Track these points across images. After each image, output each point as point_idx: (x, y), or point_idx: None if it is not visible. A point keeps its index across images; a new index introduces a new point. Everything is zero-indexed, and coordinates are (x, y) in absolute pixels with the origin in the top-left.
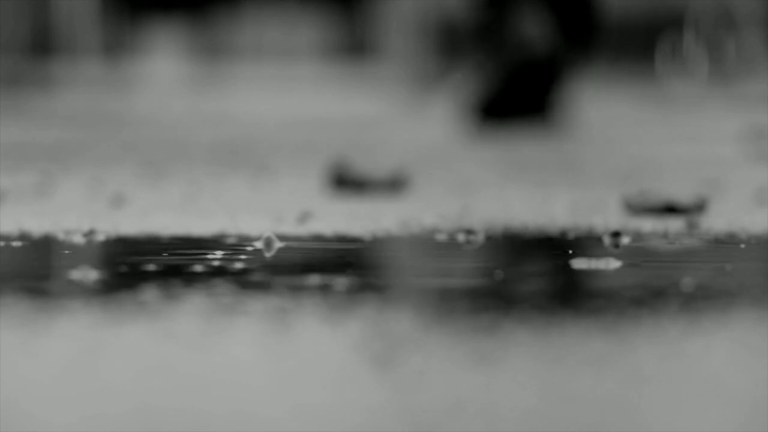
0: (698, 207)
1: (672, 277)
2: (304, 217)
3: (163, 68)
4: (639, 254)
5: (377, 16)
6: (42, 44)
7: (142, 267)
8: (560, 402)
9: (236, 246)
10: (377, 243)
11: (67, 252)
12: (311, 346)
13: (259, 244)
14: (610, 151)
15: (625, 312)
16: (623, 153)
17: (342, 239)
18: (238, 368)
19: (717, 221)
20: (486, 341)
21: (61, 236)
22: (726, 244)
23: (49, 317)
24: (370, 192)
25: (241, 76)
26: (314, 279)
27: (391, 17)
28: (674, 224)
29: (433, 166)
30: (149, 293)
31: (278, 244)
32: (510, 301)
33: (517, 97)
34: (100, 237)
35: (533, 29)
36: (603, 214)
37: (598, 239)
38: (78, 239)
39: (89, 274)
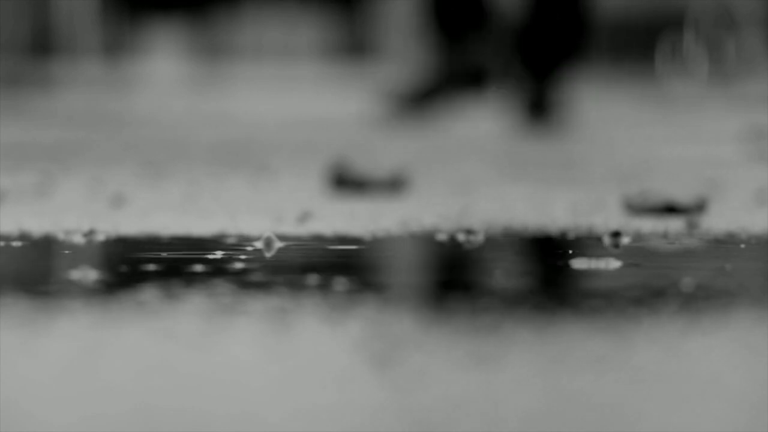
0: (698, 207)
1: (672, 277)
2: (304, 217)
3: (163, 68)
4: (639, 254)
5: (377, 16)
6: (42, 44)
7: (142, 267)
8: (560, 402)
9: (236, 246)
10: (377, 243)
11: (67, 252)
12: (311, 346)
13: (259, 244)
14: (610, 151)
15: (625, 312)
16: (623, 153)
17: (342, 239)
18: (238, 368)
19: (717, 221)
20: (486, 341)
21: (61, 236)
22: (726, 244)
23: (49, 317)
24: (370, 192)
25: (241, 76)
26: (314, 279)
27: (391, 17)
28: (674, 224)
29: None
30: (149, 293)
31: (278, 244)
32: (510, 301)
33: (445, 98)
34: (100, 237)
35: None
36: (603, 214)
37: (598, 239)
38: (78, 239)
39: (89, 274)
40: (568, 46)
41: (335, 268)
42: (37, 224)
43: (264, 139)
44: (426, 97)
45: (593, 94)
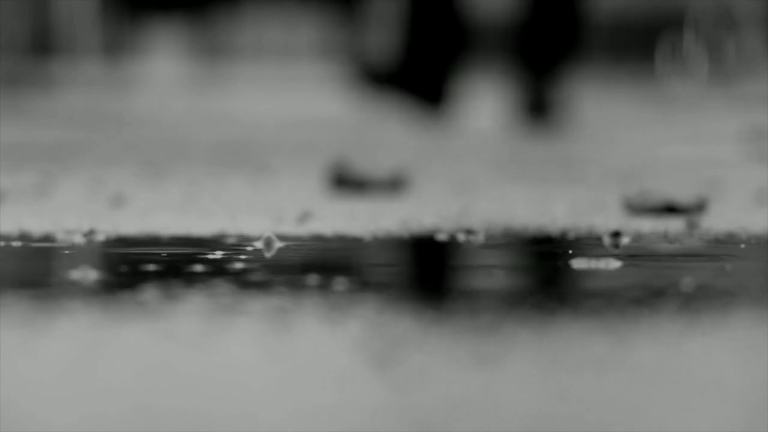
0: (698, 207)
1: (672, 277)
2: (304, 217)
3: (163, 68)
4: (639, 254)
5: (378, 16)
6: (42, 44)
7: (142, 267)
8: (560, 402)
9: (236, 246)
10: (377, 243)
11: (67, 252)
12: (311, 346)
13: (259, 244)
14: (610, 151)
15: (625, 312)
16: (623, 153)
17: (342, 239)
18: (238, 368)
19: (717, 221)
20: (486, 341)
21: (61, 236)
22: (726, 244)
23: (49, 317)
24: (370, 192)
25: (241, 76)
26: (314, 279)
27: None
28: (674, 224)
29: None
30: (149, 293)
31: (278, 244)
32: (510, 301)
33: (415, 77)
34: (100, 237)
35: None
36: (603, 214)
37: (598, 239)
38: (78, 239)
39: (89, 274)
40: (566, 45)
41: (335, 268)
42: (37, 224)
43: (264, 139)
44: (389, 79)
45: (593, 94)
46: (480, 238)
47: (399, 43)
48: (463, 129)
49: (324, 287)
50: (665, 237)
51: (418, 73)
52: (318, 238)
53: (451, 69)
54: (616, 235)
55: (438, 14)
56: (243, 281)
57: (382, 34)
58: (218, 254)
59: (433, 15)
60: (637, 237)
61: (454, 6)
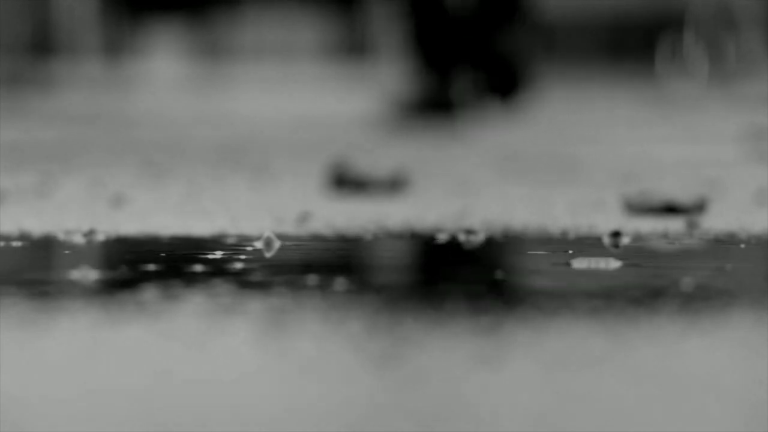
0: (698, 207)
1: (672, 277)
2: (304, 217)
3: (163, 68)
4: (639, 254)
5: (377, 17)
6: (42, 44)
7: (142, 267)
8: (560, 402)
9: (236, 246)
10: (377, 243)
11: (67, 252)
12: (311, 346)
13: (259, 244)
14: (610, 151)
15: (625, 312)
16: (623, 153)
17: (342, 239)
18: (237, 368)
19: (717, 221)
20: (486, 341)
21: (61, 236)
22: (726, 244)
23: (49, 317)
24: (370, 192)
25: (241, 76)
26: (314, 279)
27: (391, 17)
28: (674, 224)
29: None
30: (149, 293)
31: (278, 244)
32: (510, 301)
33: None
34: (100, 237)
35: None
36: (603, 214)
37: (598, 239)
38: (78, 239)
39: (89, 274)
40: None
41: (335, 268)
42: (37, 224)
43: (264, 139)
44: (421, 108)
45: (593, 94)
46: (480, 238)
47: (415, 68)
48: (468, 130)
49: (324, 287)
50: (665, 237)
51: (435, 87)
52: (318, 238)
53: (462, 75)
54: (616, 235)
55: (440, 26)
56: (243, 281)
57: (399, 67)
58: (218, 254)
59: (436, 27)
60: (637, 237)
61: (450, 12)
